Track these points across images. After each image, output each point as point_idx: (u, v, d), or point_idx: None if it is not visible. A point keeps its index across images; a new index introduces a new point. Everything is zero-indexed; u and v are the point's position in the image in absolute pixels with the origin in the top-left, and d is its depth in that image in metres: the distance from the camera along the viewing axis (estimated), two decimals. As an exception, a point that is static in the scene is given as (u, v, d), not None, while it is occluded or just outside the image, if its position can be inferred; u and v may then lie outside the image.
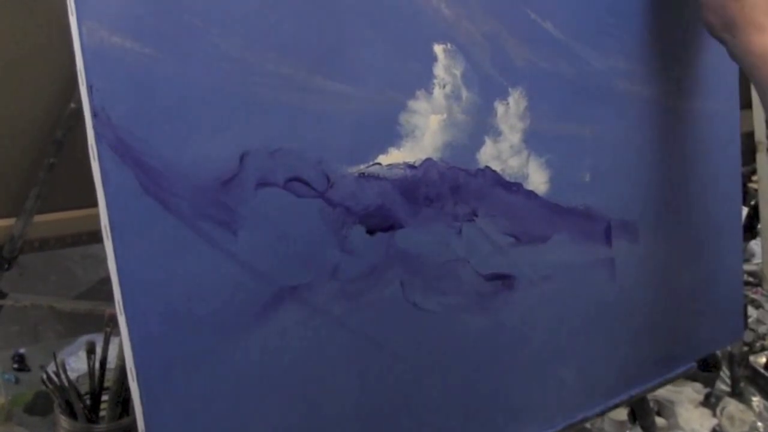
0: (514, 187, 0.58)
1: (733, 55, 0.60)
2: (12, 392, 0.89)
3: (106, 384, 0.70)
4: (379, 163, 0.50)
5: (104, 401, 0.69)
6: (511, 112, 0.56)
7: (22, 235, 0.75)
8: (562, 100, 0.59)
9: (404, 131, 0.51)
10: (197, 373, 0.45)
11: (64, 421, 0.66)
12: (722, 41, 0.61)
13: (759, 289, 1.19)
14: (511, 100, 0.56)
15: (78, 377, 0.70)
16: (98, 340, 0.72)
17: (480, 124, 0.55)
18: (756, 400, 0.99)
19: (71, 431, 0.66)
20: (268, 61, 0.45)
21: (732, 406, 0.95)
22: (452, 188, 0.54)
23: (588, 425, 0.86)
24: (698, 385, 0.97)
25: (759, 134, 0.99)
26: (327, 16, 0.47)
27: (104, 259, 0.43)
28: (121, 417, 0.67)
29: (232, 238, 0.45)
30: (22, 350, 1.00)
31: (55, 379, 0.67)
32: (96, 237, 0.43)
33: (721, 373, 1.02)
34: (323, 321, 0.50)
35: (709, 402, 0.97)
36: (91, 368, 0.69)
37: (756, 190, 1.14)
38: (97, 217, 0.42)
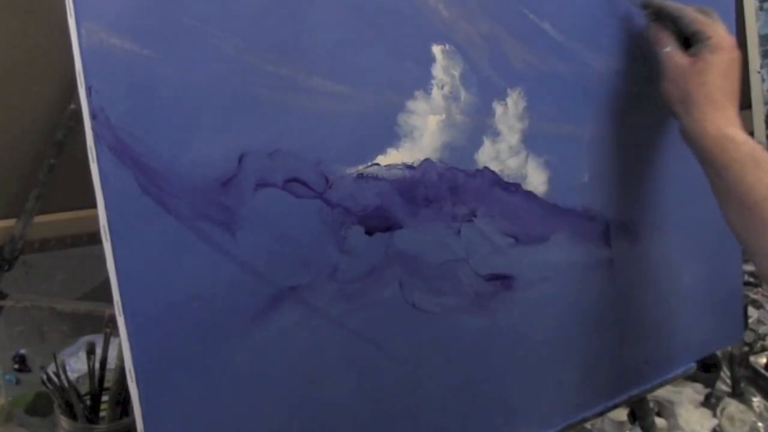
0: (513, 188, 0.58)
1: (686, 133, 0.59)
2: (13, 393, 0.89)
3: (106, 384, 0.70)
4: (378, 164, 0.50)
5: (104, 402, 0.69)
6: (509, 113, 0.56)
7: (22, 235, 0.75)
8: (561, 100, 0.59)
9: (403, 132, 0.51)
10: (196, 373, 0.45)
11: (64, 422, 0.66)
12: (676, 114, 0.60)
13: (759, 289, 1.19)
14: (509, 100, 0.56)
15: (78, 378, 0.70)
16: (98, 340, 0.72)
17: (478, 125, 0.55)
18: (756, 400, 0.99)
19: (71, 431, 0.66)
20: (266, 61, 0.45)
21: (732, 406, 0.95)
22: (451, 189, 0.54)
23: (588, 425, 0.86)
24: (698, 386, 0.97)
25: (759, 134, 0.99)
26: (326, 17, 0.47)
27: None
28: (121, 417, 0.68)
29: (231, 239, 0.45)
30: (22, 351, 1.00)
31: (56, 379, 0.67)
32: (96, 238, 0.43)
33: (722, 374, 1.02)
34: (322, 321, 0.50)
35: (710, 402, 0.97)
36: (91, 369, 0.69)
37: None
38: (97, 217, 0.43)
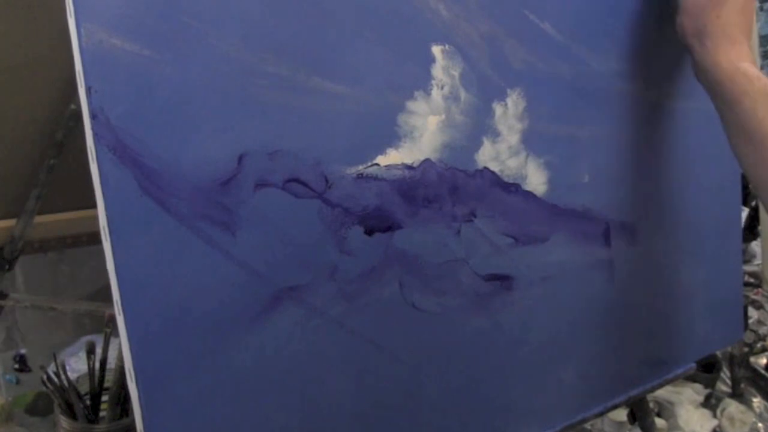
0: (513, 188, 0.58)
1: (699, 66, 0.59)
2: (13, 393, 0.89)
3: (106, 384, 0.70)
4: (378, 164, 0.50)
5: (104, 401, 0.69)
6: (509, 113, 0.56)
7: (22, 235, 0.75)
8: (561, 101, 0.59)
9: (402, 132, 0.51)
10: (196, 373, 0.45)
11: (64, 422, 0.66)
12: (691, 47, 0.60)
13: (759, 290, 1.19)
14: (509, 101, 0.56)
15: (78, 378, 0.70)
16: (98, 340, 0.72)
17: (478, 125, 0.55)
18: (756, 401, 0.99)
19: (71, 431, 0.66)
20: (266, 62, 0.45)
21: (732, 407, 0.95)
22: (451, 189, 0.54)
23: (587, 426, 0.87)
24: (698, 386, 0.98)
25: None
26: (325, 17, 0.47)
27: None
28: (121, 417, 0.68)
29: (230, 239, 0.45)
30: (22, 351, 1.00)
31: (56, 379, 0.67)
32: (96, 238, 0.44)
33: (722, 374, 1.02)
34: (322, 321, 0.50)
35: (710, 403, 0.97)
36: (91, 369, 0.69)
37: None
38: (97, 218, 0.43)
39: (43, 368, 0.68)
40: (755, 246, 1.32)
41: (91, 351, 0.69)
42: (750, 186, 0.70)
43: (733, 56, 0.57)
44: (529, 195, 0.59)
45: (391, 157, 0.51)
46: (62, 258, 1.05)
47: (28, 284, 1.11)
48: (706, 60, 0.58)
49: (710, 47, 0.58)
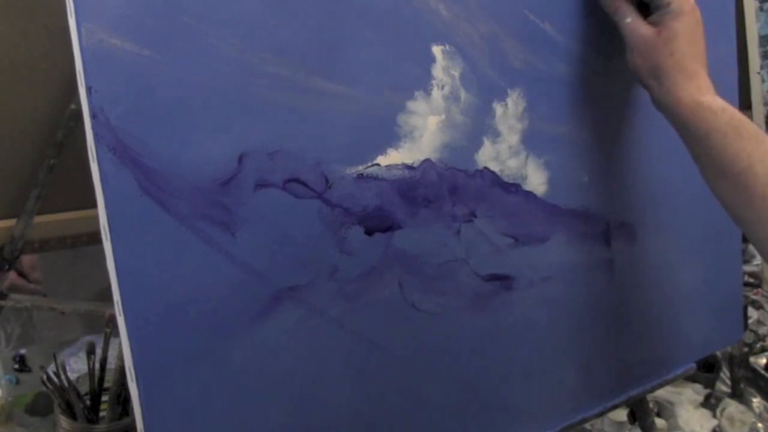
0: (513, 188, 0.58)
1: (660, 105, 0.57)
2: (13, 393, 0.89)
3: (106, 384, 0.70)
4: (378, 164, 0.50)
5: (104, 401, 0.69)
6: (509, 113, 0.56)
7: (22, 236, 0.75)
8: (561, 101, 0.60)
9: (403, 132, 0.51)
10: (196, 373, 0.45)
11: (64, 422, 0.66)
12: (648, 88, 0.58)
13: (759, 290, 1.19)
14: (509, 101, 0.56)
15: (78, 378, 0.70)
16: (98, 340, 0.72)
17: (478, 125, 0.55)
18: (756, 401, 0.99)
19: (71, 431, 0.66)
20: (266, 62, 0.45)
21: (732, 407, 0.95)
22: (451, 189, 0.54)
23: (587, 426, 0.87)
24: (698, 386, 0.98)
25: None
26: (325, 17, 0.47)
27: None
28: (121, 417, 0.68)
29: (230, 239, 0.45)
30: (22, 351, 1.00)
31: (56, 379, 0.67)
32: (96, 238, 0.44)
33: (721, 374, 1.02)
34: (322, 322, 0.50)
35: (709, 403, 0.97)
36: (91, 369, 0.69)
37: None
38: (97, 218, 0.43)
39: (42, 368, 0.68)
40: (755, 246, 1.32)
41: (91, 351, 0.69)
42: (743, 252, 0.69)
43: (693, 91, 0.55)
44: (530, 195, 0.59)
45: (391, 157, 0.51)
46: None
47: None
48: (667, 99, 0.56)
49: (668, 85, 0.55)
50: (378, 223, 0.51)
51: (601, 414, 0.70)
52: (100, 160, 0.41)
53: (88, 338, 0.91)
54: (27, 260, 1.00)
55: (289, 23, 0.46)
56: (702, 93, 0.55)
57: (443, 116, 0.53)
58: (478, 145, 0.55)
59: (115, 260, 0.42)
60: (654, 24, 0.56)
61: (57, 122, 0.73)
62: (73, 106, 0.73)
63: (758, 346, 1.06)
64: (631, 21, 0.57)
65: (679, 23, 0.55)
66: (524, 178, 0.58)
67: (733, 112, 0.55)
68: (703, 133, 0.54)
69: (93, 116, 0.40)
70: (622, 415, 0.87)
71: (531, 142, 0.58)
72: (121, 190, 0.41)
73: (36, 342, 1.07)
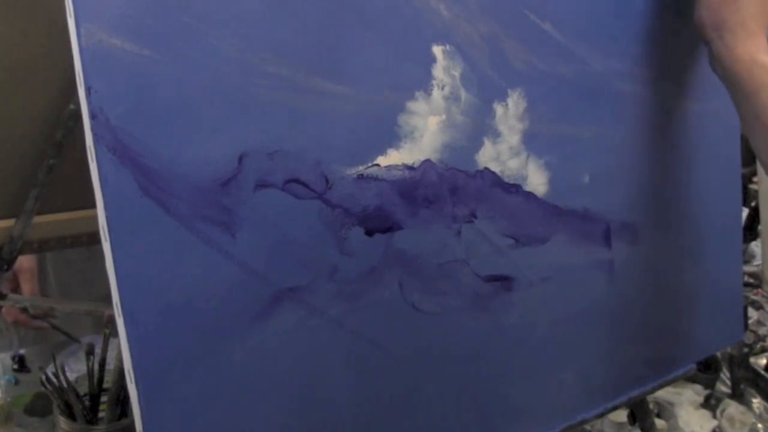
0: (513, 189, 0.58)
1: (717, 58, 0.60)
2: (12, 393, 0.89)
3: (105, 385, 0.70)
4: (378, 165, 0.50)
5: (103, 402, 0.69)
6: (510, 114, 0.56)
7: (21, 236, 0.75)
8: (561, 101, 0.59)
9: (403, 132, 0.51)
10: (195, 374, 0.45)
11: (63, 422, 0.66)
12: (709, 42, 0.61)
13: (759, 290, 1.19)
14: (509, 101, 0.56)
15: (77, 378, 0.70)
16: (97, 341, 0.72)
17: (479, 126, 0.55)
18: (756, 401, 0.99)
19: (70, 432, 0.66)
20: (266, 62, 0.45)
21: (732, 407, 0.95)
22: (451, 189, 0.54)
23: (587, 427, 0.86)
24: (698, 387, 0.97)
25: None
26: (326, 17, 0.47)
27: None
28: (120, 418, 0.68)
29: (230, 239, 0.45)
30: (21, 351, 1.00)
31: (55, 380, 0.67)
32: (95, 238, 0.43)
33: (722, 375, 1.02)
34: (322, 322, 0.50)
35: (709, 404, 0.97)
36: (90, 369, 0.69)
37: (756, 191, 1.14)
38: (96, 218, 0.42)
39: (42, 369, 0.68)
40: (755, 246, 1.32)
41: (90, 352, 0.69)
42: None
43: (752, 48, 0.58)
44: (530, 195, 0.59)
45: (391, 158, 0.51)
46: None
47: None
48: (725, 53, 0.59)
49: (729, 40, 0.59)
50: (378, 224, 0.51)
51: (602, 415, 0.70)
52: (99, 160, 0.40)
53: (87, 339, 0.91)
54: (27, 288, 0.99)
55: (289, 23, 0.46)
56: (759, 51, 0.58)
57: (443, 116, 0.53)
58: (479, 146, 0.55)
59: (114, 261, 0.42)
60: None
61: (56, 122, 0.73)
62: (72, 106, 0.72)
63: (758, 346, 1.05)
64: None
65: None
66: (525, 178, 0.58)
67: None
68: (754, 88, 0.57)
69: (93, 116, 0.40)
70: (622, 415, 0.87)
71: (531, 142, 0.58)
72: (121, 190, 0.41)
73: (36, 342, 1.08)
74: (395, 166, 0.51)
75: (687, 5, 0.63)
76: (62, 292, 1.12)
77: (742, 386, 1.00)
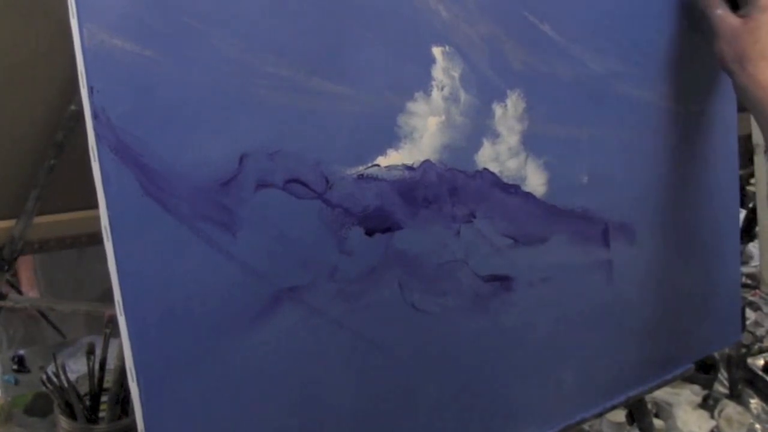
0: (512, 189, 0.58)
1: (740, 87, 0.62)
2: (12, 393, 0.89)
3: (106, 385, 0.70)
4: (378, 165, 0.51)
5: (104, 402, 0.69)
6: (509, 114, 0.56)
7: (22, 236, 0.75)
8: (560, 102, 0.60)
9: (403, 133, 0.51)
10: (196, 373, 0.45)
11: (63, 422, 0.66)
12: (731, 72, 0.63)
13: (757, 291, 1.19)
14: (509, 102, 0.56)
15: (77, 378, 0.70)
16: (98, 341, 0.72)
17: (478, 126, 0.55)
18: (754, 402, 0.99)
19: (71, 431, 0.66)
20: (267, 62, 0.45)
21: (730, 408, 0.95)
22: (450, 190, 0.54)
23: (586, 426, 0.87)
24: (696, 387, 0.98)
25: (756, 137, 0.99)
26: (326, 18, 0.47)
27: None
28: (121, 417, 0.68)
29: (231, 239, 0.45)
30: (21, 351, 1.00)
31: (55, 380, 0.67)
32: (96, 239, 0.44)
33: (719, 376, 1.02)
34: (322, 322, 0.50)
35: (707, 404, 0.97)
36: (90, 369, 0.69)
37: (754, 193, 1.15)
38: (97, 218, 0.43)
39: (42, 369, 0.68)
40: (752, 247, 1.33)
41: (90, 352, 0.69)
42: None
43: None
44: (529, 196, 0.59)
45: (391, 158, 0.51)
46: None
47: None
48: (748, 83, 0.61)
49: (751, 71, 0.61)
50: (378, 224, 0.51)
51: (600, 414, 0.71)
52: (101, 160, 0.41)
53: (88, 339, 0.91)
54: (25, 276, 0.99)
55: (289, 24, 0.46)
56: None
57: (443, 117, 0.53)
58: (478, 146, 0.55)
59: (116, 260, 0.42)
60: (741, 17, 0.62)
61: (57, 122, 0.73)
62: (73, 107, 0.73)
63: (756, 347, 1.06)
64: (722, 12, 0.63)
65: (765, 15, 0.61)
66: (524, 179, 0.58)
67: None
68: None
69: (94, 116, 0.40)
70: (620, 415, 0.87)
71: (530, 143, 0.58)
72: (123, 190, 0.41)
73: (37, 342, 1.08)
74: (395, 167, 0.51)
75: (704, 36, 0.65)
76: (52, 294, 1.12)
77: (739, 387, 1.00)
